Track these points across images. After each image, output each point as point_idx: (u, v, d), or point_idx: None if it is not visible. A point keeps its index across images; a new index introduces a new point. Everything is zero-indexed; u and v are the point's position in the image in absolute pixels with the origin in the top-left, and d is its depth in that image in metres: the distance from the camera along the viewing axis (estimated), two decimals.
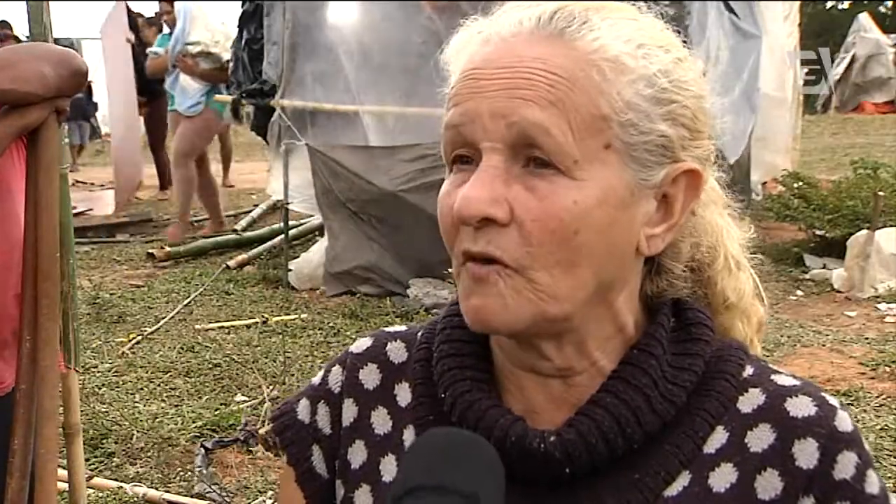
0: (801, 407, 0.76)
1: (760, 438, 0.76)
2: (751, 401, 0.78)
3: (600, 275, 0.75)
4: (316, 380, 0.92)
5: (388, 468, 0.85)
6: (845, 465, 0.74)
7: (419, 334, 0.90)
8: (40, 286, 1.43)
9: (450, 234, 0.75)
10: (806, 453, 0.75)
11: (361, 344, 0.92)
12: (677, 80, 0.75)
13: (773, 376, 0.80)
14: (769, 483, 0.75)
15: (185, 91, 7.62)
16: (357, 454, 0.87)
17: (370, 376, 0.89)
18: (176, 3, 8.02)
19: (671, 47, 0.77)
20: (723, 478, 0.76)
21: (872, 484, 0.75)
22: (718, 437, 0.77)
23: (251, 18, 6.71)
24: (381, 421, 0.87)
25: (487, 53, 0.74)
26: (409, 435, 0.85)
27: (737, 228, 0.88)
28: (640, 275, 0.81)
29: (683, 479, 0.76)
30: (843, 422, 0.76)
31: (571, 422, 0.76)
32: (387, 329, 0.93)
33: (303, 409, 0.90)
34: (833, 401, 0.78)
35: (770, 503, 0.75)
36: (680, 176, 0.76)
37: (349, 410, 0.88)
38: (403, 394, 0.87)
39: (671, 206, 0.77)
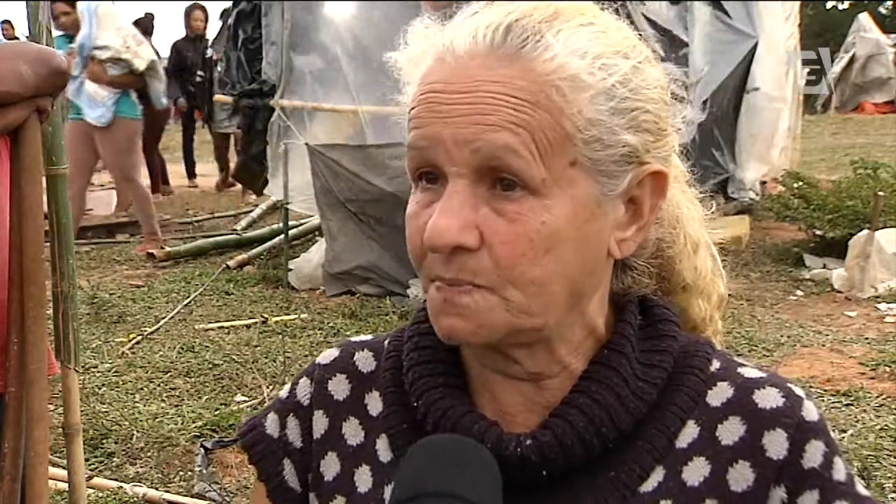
0: (768, 398, 0.77)
1: (731, 431, 0.77)
2: (719, 394, 0.79)
3: (573, 287, 0.75)
4: (283, 393, 0.91)
5: (363, 479, 0.84)
6: (813, 453, 0.75)
7: (386, 343, 0.89)
8: (26, 289, 1.42)
9: (418, 256, 0.75)
10: (775, 444, 0.76)
11: (328, 355, 0.91)
12: (637, 87, 0.75)
13: (739, 369, 0.81)
14: (741, 475, 0.76)
15: (94, 99, 6.88)
16: (330, 466, 0.86)
17: (339, 387, 0.88)
18: (78, 4, 7.03)
19: (630, 51, 0.76)
20: (696, 471, 0.77)
21: (839, 471, 0.76)
22: (690, 432, 0.78)
23: (248, 18, 6.70)
24: (352, 431, 0.86)
25: (443, 74, 0.73)
26: (382, 444, 0.85)
27: (698, 206, 0.88)
28: (609, 277, 0.81)
29: (658, 475, 0.77)
30: (810, 411, 0.77)
31: (546, 424, 0.77)
32: (352, 339, 0.92)
33: (271, 424, 0.89)
34: (799, 391, 0.79)
35: (743, 494, 0.76)
36: (645, 178, 0.76)
37: (320, 422, 0.87)
38: (374, 403, 0.87)
39: (639, 208, 0.77)
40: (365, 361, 0.89)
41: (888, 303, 5.55)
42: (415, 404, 0.81)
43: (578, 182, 0.72)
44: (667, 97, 0.78)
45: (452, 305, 0.73)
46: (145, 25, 10.80)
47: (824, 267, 6.30)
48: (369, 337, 0.93)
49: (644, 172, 0.76)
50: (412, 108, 0.75)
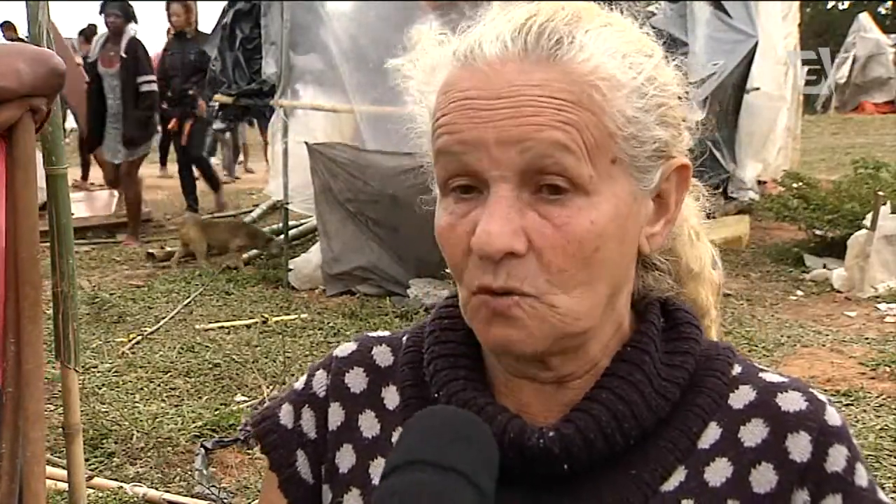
0: (792, 402, 0.78)
1: (753, 433, 0.77)
2: (742, 397, 0.79)
3: (613, 285, 0.76)
4: (298, 385, 0.91)
5: (378, 472, 0.84)
6: (836, 458, 0.75)
7: (405, 338, 0.89)
8: (21, 289, 1.42)
9: (459, 266, 0.75)
10: (799, 447, 0.76)
11: (346, 348, 0.91)
12: (662, 84, 0.76)
13: (761, 374, 0.81)
14: (764, 477, 0.76)
15: None
16: (345, 458, 0.86)
17: (356, 380, 0.88)
18: None
19: (651, 50, 0.77)
20: (718, 472, 0.77)
21: (862, 477, 0.76)
22: (712, 433, 0.78)
23: (246, 17, 6.70)
24: (368, 424, 0.86)
25: (476, 81, 0.72)
26: (397, 438, 0.83)
27: (693, 202, 0.89)
28: (635, 272, 0.82)
29: (679, 475, 0.77)
30: (833, 416, 0.77)
31: (570, 417, 0.77)
32: (370, 334, 0.93)
33: (286, 414, 0.89)
34: (821, 396, 0.79)
35: (765, 496, 0.76)
36: (672, 172, 0.78)
37: (336, 414, 0.87)
38: (391, 397, 0.87)
39: (665, 202, 0.79)
40: (383, 356, 0.89)
41: (888, 303, 5.56)
42: (435, 395, 0.81)
43: (619, 179, 0.73)
44: (682, 93, 0.79)
45: (503, 317, 0.73)
46: (87, 34, 10.70)
47: (824, 267, 6.30)
48: (387, 333, 0.93)
49: (671, 167, 0.77)
50: (442, 115, 0.73)
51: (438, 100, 0.75)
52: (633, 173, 0.74)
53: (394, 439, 0.85)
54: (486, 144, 0.71)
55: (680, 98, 0.79)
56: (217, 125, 8.10)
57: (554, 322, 0.73)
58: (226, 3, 7.83)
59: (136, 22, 7.84)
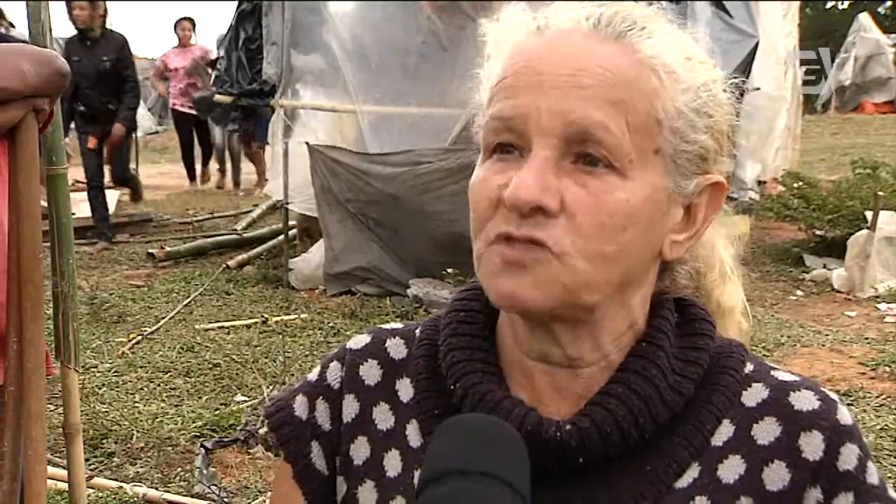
0: (804, 401, 0.79)
1: (767, 431, 0.78)
2: (754, 395, 0.80)
3: (629, 271, 0.77)
4: (312, 376, 0.92)
5: (392, 464, 0.85)
6: (848, 456, 0.77)
7: (418, 331, 0.90)
8: (23, 289, 1.43)
9: (483, 219, 0.75)
10: (812, 445, 0.77)
11: (360, 340, 0.92)
12: (715, 97, 0.78)
13: (772, 372, 0.82)
14: (777, 475, 0.77)
15: None
16: (360, 450, 0.87)
17: (371, 372, 0.89)
18: None
19: (710, 65, 0.80)
20: (731, 469, 0.78)
21: (872, 475, 0.78)
22: (725, 431, 0.79)
23: (249, 18, 6.70)
24: (383, 416, 0.87)
25: (543, 46, 0.75)
26: (412, 430, 0.86)
27: (729, 246, 0.92)
28: (655, 277, 0.83)
29: (693, 472, 0.78)
30: (844, 415, 0.79)
31: (586, 411, 0.78)
32: (383, 326, 0.94)
33: (300, 406, 0.90)
34: (833, 395, 0.80)
35: (778, 494, 0.77)
36: (706, 188, 0.79)
37: (350, 406, 0.88)
38: (405, 389, 0.87)
39: (694, 216, 0.80)
40: (396, 348, 0.90)
41: (888, 303, 5.56)
42: (451, 388, 0.82)
43: (657, 169, 0.75)
44: (733, 116, 0.81)
45: (517, 266, 0.73)
46: None
47: (824, 267, 6.30)
48: (400, 325, 0.94)
49: (707, 181, 0.79)
50: (503, 78, 0.76)
51: (504, 65, 0.77)
52: (672, 171, 0.76)
53: (408, 432, 0.86)
54: (538, 110, 0.73)
55: (729, 126, 0.80)
56: (230, 126, 8.04)
57: (566, 284, 0.73)
58: (236, 2, 7.74)
59: (13, 27, 6.85)
